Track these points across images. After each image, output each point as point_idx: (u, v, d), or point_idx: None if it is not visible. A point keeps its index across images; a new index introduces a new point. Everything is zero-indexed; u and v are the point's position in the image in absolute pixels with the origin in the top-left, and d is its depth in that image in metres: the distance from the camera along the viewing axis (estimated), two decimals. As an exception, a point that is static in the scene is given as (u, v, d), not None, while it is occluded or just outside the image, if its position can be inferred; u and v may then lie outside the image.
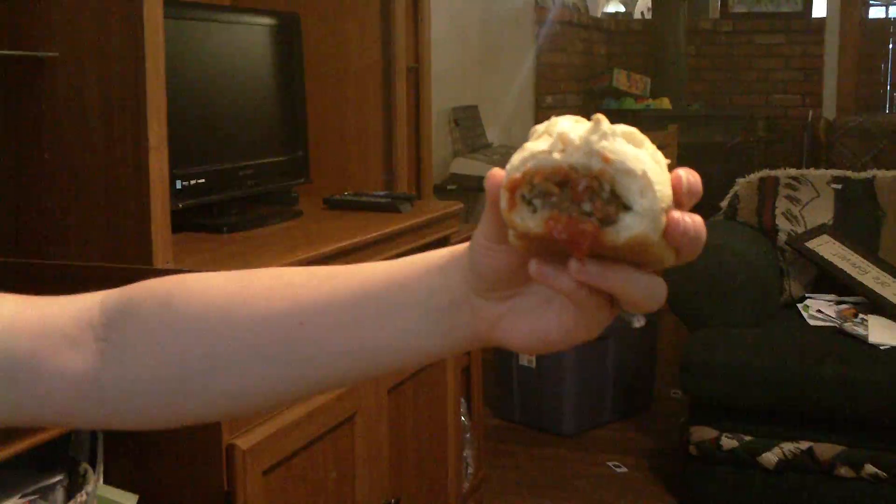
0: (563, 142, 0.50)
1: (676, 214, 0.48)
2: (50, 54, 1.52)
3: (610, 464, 3.26)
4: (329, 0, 2.40)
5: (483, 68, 4.82)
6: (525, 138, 0.53)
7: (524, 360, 3.49)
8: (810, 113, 6.11)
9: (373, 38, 2.41)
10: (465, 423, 2.69)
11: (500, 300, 0.56)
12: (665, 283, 0.51)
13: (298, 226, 2.07)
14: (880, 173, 3.42)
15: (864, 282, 3.06)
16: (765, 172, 3.47)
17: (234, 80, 2.09)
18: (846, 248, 3.17)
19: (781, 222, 3.30)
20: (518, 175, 0.51)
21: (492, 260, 0.54)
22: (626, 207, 0.48)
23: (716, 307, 2.92)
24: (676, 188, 0.50)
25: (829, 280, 3.15)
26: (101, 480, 1.56)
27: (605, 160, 0.49)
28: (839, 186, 3.36)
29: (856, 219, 3.30)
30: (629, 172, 0.48)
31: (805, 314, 3.06)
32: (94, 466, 1.52)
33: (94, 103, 1.54)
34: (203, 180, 1.90)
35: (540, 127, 0.52)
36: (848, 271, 3.09)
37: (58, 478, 1.47)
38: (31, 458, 1.42)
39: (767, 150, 6.45)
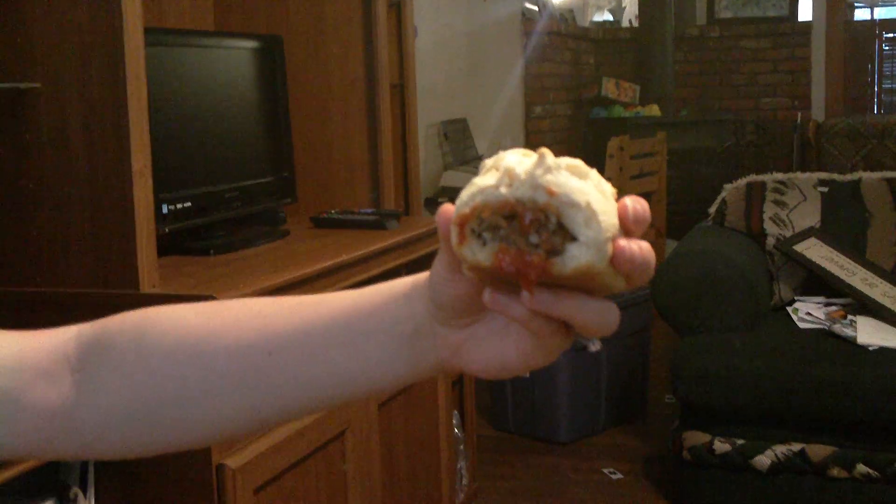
0: (509, 176, 0.52)
1: (623, 242, 0.50)
2: (32, 85, 1.55)
3: (605, 470, 3.28)
4: (311, 20, 2.43)
5: (471, 81, 4.85)
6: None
7: (518, 371, 3.51)
8: (799, 115, 6.15)
9: (356, 56, 2.44)
10: (459, 435, 2.71)
11: (461, 328, 0.58)
12: (616, 308, 0.52)
13: (285, 246, 2.09)
14: (866, 175, 3.45)
15: (852, 283, 3.09)
16: (752, 177, 3.49)
17: (218, 103, 2.12)
18: (834, 251, 3.19)
19: (769, 226, 3.32)
20: (467, 210, 0.52)
21: (450, 289, 0.56)
22: (573, 238, 0.50)
23: (706, 313, 2.94)
24: (623, 217, 0.51)
25: (818, 282, 3.18)
26: None
27: (550, 193, 0.50)
28: (825, 189, 3.39)
29: (843, 221, 3.32)
30: (574, 204, 0.50)
31: (794, 317, 3.09)
32: (84, 491, 1.54)
33: (77, 132, 1.57)
34: (189, 203, 1.92)
35: (488, 162, 0.54)
36: (836, 273, 3.11)
37: (48, 503, 1.49)
38: (21, 483, 1.44)
39: (758, 154, 6.49)
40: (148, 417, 0.64)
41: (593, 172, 0.52)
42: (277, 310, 0.63)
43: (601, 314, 0.52)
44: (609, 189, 0.52)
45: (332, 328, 0.61)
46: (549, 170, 0.51)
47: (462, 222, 0.52)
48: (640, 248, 0.50)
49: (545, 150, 0.52)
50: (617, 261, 0.50)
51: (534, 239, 0.51)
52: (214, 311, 0.65)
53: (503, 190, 0.52)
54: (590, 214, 0.50)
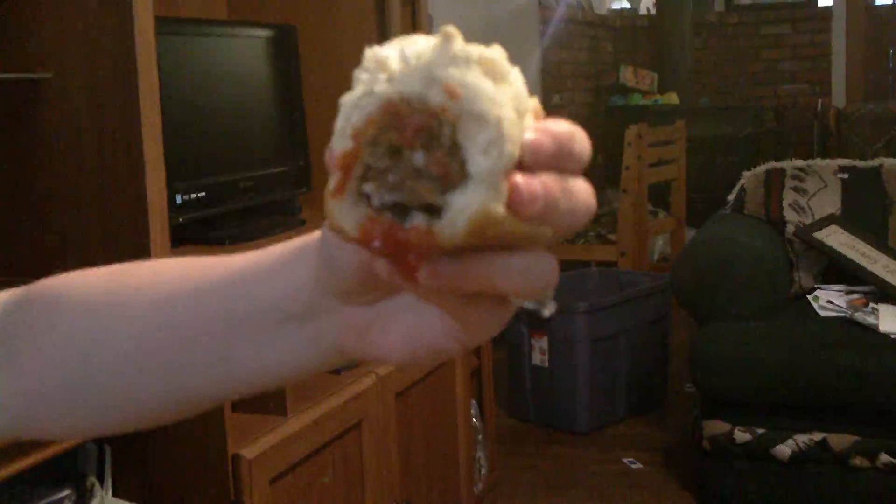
0: (385, 68, 0.37)
1: (519, 179, 0.36)
2: (43, 76, 1.54)
3: (625, 460, 3.26)
4: (324, 10, 2.42)
5: (488, 70, 4.83)
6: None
7: (537, 360, 3.50)
8: (819, 102, 6.09)
9: (370, 42, 2.42)
10: (477, 424, 2.70)
11: (368, 303, 0.44)
12: (552, 258, 0.39)
13: (301, 236, 2.08)
14: (887, 161, 3.40)
15: (874, 270, 3.05)
16: (771, 164, 3.46)
17: (232, 92, 2.11)
18: (855, 238, 3.16)
19: (789, 214, 3.29)
20: (350, 144, 0.37)
21: (350, 256, 0.41)
22: (464, 173, 0.35)
23: (725, 300, 2.92)
24: (536, 149, 0.37)
25: (839, 270, 3.14)
26: (110, 494, 1.58)
27: (452, 94, 0.35)
28: (846, 176, 3.35)
29: (864, 208, 3.29)
30: (479, 117, 0.35)
31: (815, 305, 3.05)
32: (101, 480, 1.54)
33: (88, 122, 1.56)
34: (204, 193, 1.91)
35: (356, 72, 0.38)
36: (857, 261, 3.08)
37: (65, 492, 1.49)
38: (39, 473, 1.44)
39: (777, 141, 6.43)
40: (62, 399, 0.56)
41: (515, 73, 0.38)
42: (175, 276, 0.52)
43: (527, 271, 0.38)
44: (531, 104, 0.38)
45: (218, 301, 0.49)
46: (454, 60, 0.36)
47: (347, 164, 0.37)
48: (542, 185, 0.36)
49: (452, 30, 0.36)
50: (512, 204, 0.36)
51: (418, 159, 0.36)
52: (125, 274, 0.56)
53: (379, 88, 0.36)
54: (495, 137, 0.35)
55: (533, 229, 0.37)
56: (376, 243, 0.36)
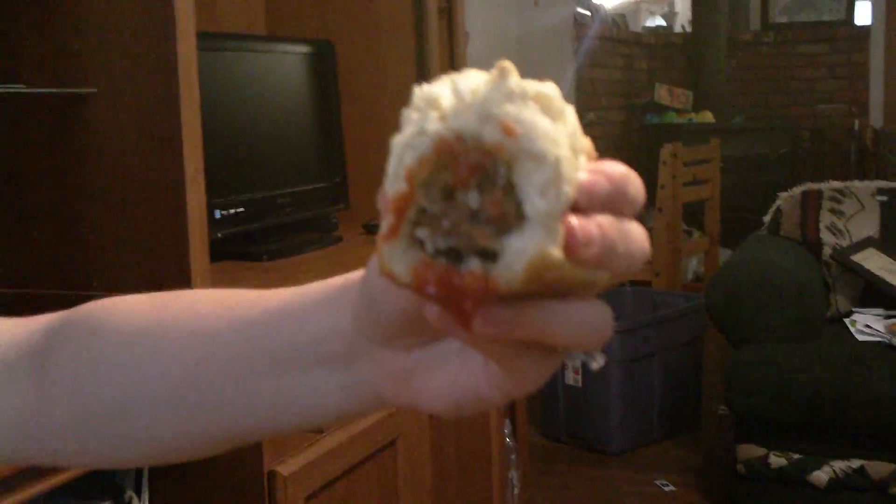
0: (435, 106, 0.36)
1: (574, 221, 0.35)
2: (88, 90, 1.55)
3: (658, 482, 3.23)
4: (362, 26, 2.42)
5: (522, 87, 4.83)
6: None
7: (570, 379, 3.47)
8: (856, 122, 6.04)
9: (407, 61, 2.42)
10: (510, 444, 2.68)
11: (407, 349, 0.43)
12: (606, 308, 0.37)
13: (338, 252, 2.08)
14: (927, 183, 3.37)
15: (913, 294, 3.01)
16: (807, 186, 3.43)
17: (270, 108, 2.12)
18: (893, 261, 3.12)
19: (826, 236, 3.26)
20: (404, 186, 0.36)
21: (393, 300, 0.40)
22: (520, 214, 0.34)
23: (760, 323, 2.89)
24: (591, 190, 0.35)
25: (877, 294, 3.10)
26: (146, 508, 1.58)
27: (508, 131, 0.34)
28: (885, 198, 3.31)
29: (903, 230, 3.25)
30: (537, 156, 0.34)
31: (852, 329, 3.02)
32: (139, 494, 1.54)
33: (131, 137, 1.57)
34: (242, 209, 1.92)
35: (406, 112, 0.37)
36: (895, 284, 3.04)
37: (103, 506, 1.49)
38: (77, 486, 1.44)
39: (813, 161, 6.38)
40: (96, 429, 0.55)
41: (570, 112, 0.36)
42: (213, 309, 0.52)
43: (584, 321, 0.37)
44: (586, 145, 0.36)
45: (255, 338, 0.48)
46: (510, 96, 0.35)
47: (401, 207, 0.36)
48: (599, 227, 0.35)
49: (508, 65, 0.36)
50: (568, 246, 0.34)
51: (473, 200, 0.35)
52: (164, 304, 0.55)
53: (432, 126, 0.35)
54: (553, 178, 0.34)
55: (590, 274, 0.35)
56: (430, 289, 0.35)
